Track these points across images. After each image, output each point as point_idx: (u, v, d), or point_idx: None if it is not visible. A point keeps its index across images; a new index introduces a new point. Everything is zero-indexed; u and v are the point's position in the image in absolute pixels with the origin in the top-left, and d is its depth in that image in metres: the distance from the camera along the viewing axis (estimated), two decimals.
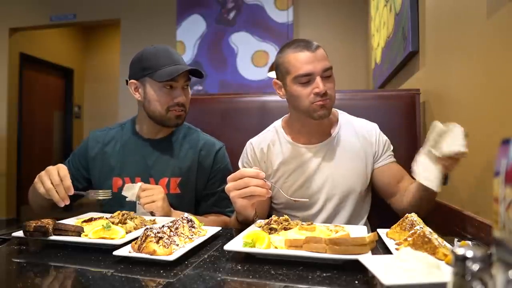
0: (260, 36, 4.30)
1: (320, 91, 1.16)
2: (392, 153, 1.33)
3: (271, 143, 1.35)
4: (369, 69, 3.63)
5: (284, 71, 1.23)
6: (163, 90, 1.29)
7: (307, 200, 1.22)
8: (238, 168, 1.45)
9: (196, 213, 1.37)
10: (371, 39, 3.46)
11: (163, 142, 1.39)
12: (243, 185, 0.99)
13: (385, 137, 1.34)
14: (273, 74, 1.31)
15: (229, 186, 1.01)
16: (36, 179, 1.11)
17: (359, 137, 1.31)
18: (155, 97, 1.30)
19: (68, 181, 1.08)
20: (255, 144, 1.37)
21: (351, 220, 1.29)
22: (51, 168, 1.10)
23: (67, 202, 1.09)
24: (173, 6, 4.54)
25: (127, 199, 1.18)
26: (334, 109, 1.39)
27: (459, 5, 1.22)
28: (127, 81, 1.36)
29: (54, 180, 1.07)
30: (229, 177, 1.02)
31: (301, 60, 1.17)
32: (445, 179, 1.01)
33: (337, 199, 1.27)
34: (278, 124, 1.40)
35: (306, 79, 1.17)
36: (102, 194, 1.19)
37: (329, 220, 1.27)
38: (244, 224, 1.12)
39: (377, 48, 3.01)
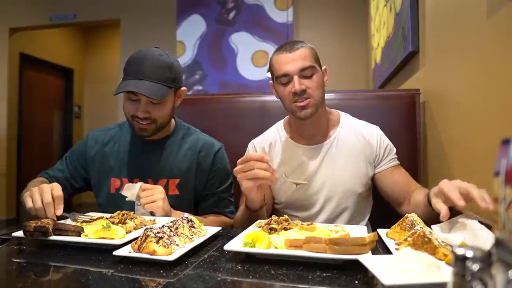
0: (260, 36, 4.30)
1: (296, 90, 1.19)
2: (395, 157, 1.32)
3: (272, 142, 1.36)
4: (369, 69, 3.63)
5: (272, 73, 1.28)
6: (127, 99, 1.27)
7: (306, 182, 1.23)
8: None
9: (195, 214, 1.37)
10: (371, 39, 3.46)
11: (161, 143, 1.39)
12: (248, 167, 1.04)
13: (387, 141, 1.32)
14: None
15: (236, 168, 1.07)
16: (27, 193, 1.07)
17: (360, 139, 1.30)
18: (124, 104, 1.29)
19: (60, 204, 1.05)
20: (257, 144, 1.39)
21: (353, 221, 1.28)
22: (45, 187, 1.06)
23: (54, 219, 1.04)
24: (173, 6, 4.54)
25: (126, 199, 1.18)
26: (335, 110, 1.39)
27: (459, 5, 1.22)
28: None
29: (46, 198, 1.03)
30: (238, 161, 1.07)
31: (279, 61, 1.22)
32: None
33: (337, 200, 1.27)
34: (280, 124, 1.41)
35: (285, 79, 1.22)
36: (84, 218, 1.12)
37: (329, 220, 1.27)
38: (252, 211, 1.15)
39: (377, 48, 3.01)
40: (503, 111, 0.92)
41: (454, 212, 0.95)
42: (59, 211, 1.04)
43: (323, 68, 1.28)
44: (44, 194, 1.04)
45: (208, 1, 4.42)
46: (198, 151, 1.39)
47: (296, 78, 1.20)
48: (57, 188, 1.07)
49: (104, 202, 1.36)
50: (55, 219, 1.03)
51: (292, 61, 1.20)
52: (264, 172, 1.03)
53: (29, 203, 1.06)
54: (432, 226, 0.92)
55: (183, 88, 1.36)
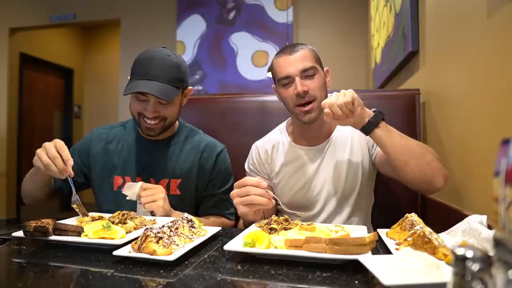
0: (260, 36, 4.30)
1: (298, 92, 1.19)
2: None
3: (275, 144, 1.36)
4: (369, 69, 3.63)
5: (273, 76, 1.29)
6: (134, 99, 1.27)
7: (304, 214, 1.25)
8: (238, 169, 1.46)
9: (196, 214, 1.37)
10: (371, 39, 3.46)
11: (164, 143, 1.39)
12: (244, 193, 1.03)
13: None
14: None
15: (232, 192, 1.06)
16: (35, 157, 1.11)
17: (356, 133, 1.27)
18: (130, 102, 1.29)
19: (66, 153, 1.09)
20: (260, 146, 1.39)
21: (352, 220, 1.28)
22: (47, 143, 1.11)
23: (67, 173, 1.09)
24: (173, 6, 4.54)
25: (127, 198, 1.18)
26: None
27: (459, 5, 1.22)
28: None
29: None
30: (235, 184, 1.07)
31: (281, 64, 1.23)
32: None
33: (337, 199, 1.27)
34: (283, 126, 1.41)
35: (287, 81, 1.22)
36: (81, 210, 1.12)
37: (329, 220, 1.27)
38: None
39: (377, 48, 3.01)
40: (503, 111, 0.92)
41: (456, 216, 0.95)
42: (70, 162, 1.09)
43: (325, 69, 1.28)
44: (48, 150, 1.08)
45: (208, 1, 4.42)
46: (200, 152, 1.39)
47: (298, 79, 1.20)
48: (59, 142, 1.10)
49: (106, 199, 1.36)
50: (68, 171, 1.08)
51: (293, 62, 1.21)
52: (261, 199, 1.02)
53: (38, 163, 1.09)
54: (441, 235, 0.90)
55: (190, 87, 1.37)
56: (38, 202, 1.32)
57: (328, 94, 1.31)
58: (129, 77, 1.32)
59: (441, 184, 1.08)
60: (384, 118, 1.10)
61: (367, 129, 1.08)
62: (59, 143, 1.10)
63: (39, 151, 1.10)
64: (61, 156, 1.08)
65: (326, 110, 1.04)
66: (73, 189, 1.14)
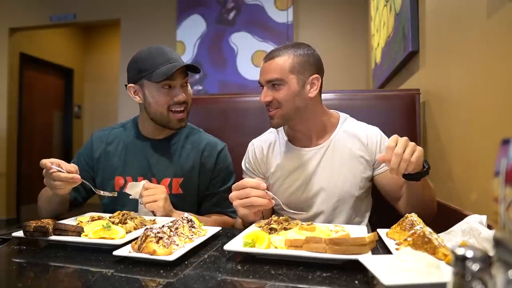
0: (260, 36, 4.29)
1: (260, 101, 1.23)
2: None
3: (271, 143, 1.35)
4: (369, 69, 3.63)
5: None
6: (162, 90, 1.28)
7: (305, 213, 1.25)
8: (239, 168, 1.46)
9: (198, 213, 1.37)
10: (371, 39, 3.46)
11: (165, 142, 1.39)
12: (244, 195, 1.03)
13: (387, 143, 1.30)
14: None
15: (232, 195, 1.06)
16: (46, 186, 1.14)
17: (358, 142, 1.27)
18: (155, 99, 1.29)
19: (65, 165, 1.11)
20: (256, 145, 1.38)
21: (351, 223, 1.27)
22: (44, 171, 1.09)
23: (78, 180, 1.10)
24: (173, 6, 4.54)
25: (130, 197, 1.19)
26: (335, 112, 1.36)
27: (459, 5, 1.22)
28: (126, 85, 1.36)
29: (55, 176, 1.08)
30: (233, 186, 1.07)
31: (260, 69, 1.26)
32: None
33: (334, 203, 1.25)
34: None
35: (261, 86, 1.25)
36: (108, 193, 1.25)
37: (327, 223, 1.26)
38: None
39: (377, 48, 3.01)
40: (503, 111, 0.92)
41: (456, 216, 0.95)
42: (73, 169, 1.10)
43: (312, 77, 1.21)
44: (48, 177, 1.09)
45: (208, 1, 4.42)
46: (201, 151, 1.39)
47: (264, 89, 1.22)
48: (46, 162, 1.09)
49: (109, 201, 1.37)
50: (76, 179, 1.09)
51: (263, 71, 1.23)
52: (261, 200, 1.02)
53: (50, 189, 1.12)
54: (441, 235, 0.90)
55: None
56: (58, 212, 1.32)
57: (329, 95, 1.30)
58: (128, 84, 1.32)
59: (429, 221, 1.10)
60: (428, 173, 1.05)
61: (410, 179, 1.03)
62: (47, 164, 1.09)
63: (45, 181, 1.11)
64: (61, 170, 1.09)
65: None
66: (91, 186, 1.23)
